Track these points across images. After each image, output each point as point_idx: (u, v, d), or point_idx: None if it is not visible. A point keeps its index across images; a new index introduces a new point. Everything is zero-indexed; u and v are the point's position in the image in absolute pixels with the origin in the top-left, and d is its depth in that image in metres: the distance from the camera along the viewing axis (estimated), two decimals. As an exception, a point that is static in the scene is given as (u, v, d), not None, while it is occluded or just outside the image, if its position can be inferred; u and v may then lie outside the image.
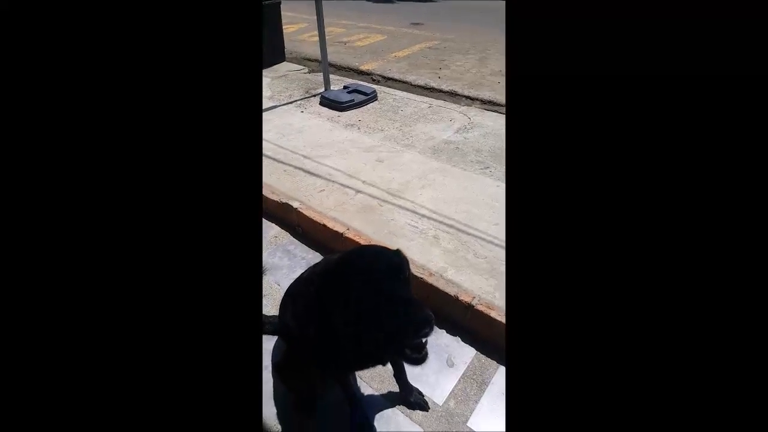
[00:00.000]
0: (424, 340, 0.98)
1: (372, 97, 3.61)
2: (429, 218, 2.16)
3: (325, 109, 3.51)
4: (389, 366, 1.39)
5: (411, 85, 4.16)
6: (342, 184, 2.46)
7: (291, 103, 3.67)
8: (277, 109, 3.55)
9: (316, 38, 3.65)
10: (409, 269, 1.06)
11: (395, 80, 4.30)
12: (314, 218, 2.16)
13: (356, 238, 2.00)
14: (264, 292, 1.88)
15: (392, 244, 1.13)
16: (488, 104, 3.62)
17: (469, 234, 2.03)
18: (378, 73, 4.50)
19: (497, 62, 4.63)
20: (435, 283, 1.73)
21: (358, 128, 3.17)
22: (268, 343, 1.62)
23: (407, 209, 2.23)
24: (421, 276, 1.76)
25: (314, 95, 3.78)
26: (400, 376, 1.41)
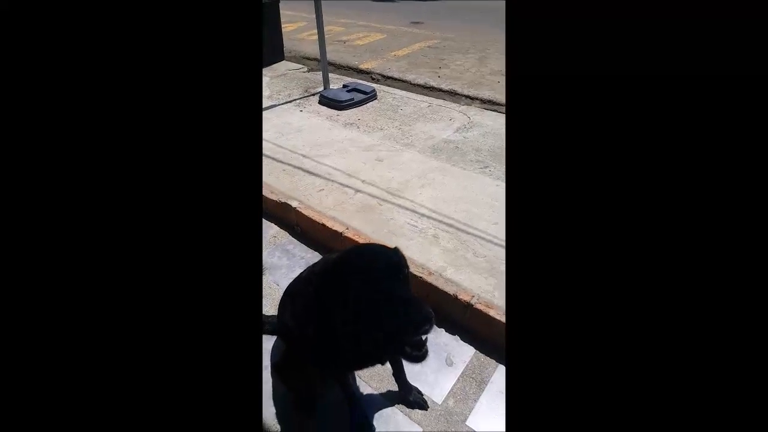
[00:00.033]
0: (424, 338, 0.98)
1: (371, 96, 3.61)
2: (428, 217, 2.16)
3: (324, 108, 3.50)
4: (388, 365, 1.40)
5: (410, 84, 4.15)
6: (341, 184, 2.46)
7: (290, 102, 3.67)
8: (276, 108, 3.54)
9: (316, 37, 3.65)
10: (407, 267, 1.06)
11: (395, 79, 4.29)
12: (313, 218, 2.15)
13: (355, 238, 2.00)
14: (263, 292, 1.88)
15: (391, 243, 1.13)
16: (488, 103, 3.62)
17: (468, 233, 2.03)
18: (377, 71, 4.50)
19: (497, 61, 4.63)
20: (434, 282, 1.73)
21: (358, 127, 3.17)
22: (267, 343, 1.62)
23: (407, 208, 2.23)
24: (421, 275, 1.76)
25: (313, 94, 3.78)
26: (399, 375, 1.41)
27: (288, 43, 5.04)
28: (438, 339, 1.64)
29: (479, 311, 1.61)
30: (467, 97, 3.78)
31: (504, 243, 1.90)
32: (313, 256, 2.09)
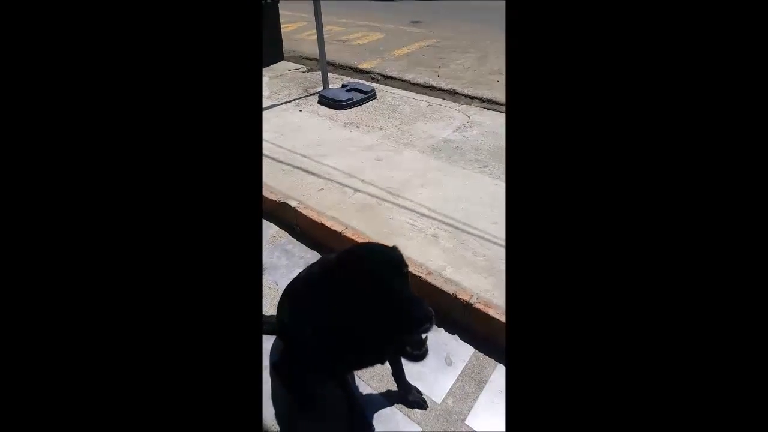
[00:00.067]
0: (424, 337, 0.98)
1: (371, 95, 3.61)
2: (428, 217, 2.16)
3: (323, 108, 3.50)
4: (388, 365, 1.40)
5: (410, 83, 4.15)
6: (341, 183, 2.46)
7: (289, 102, 3.66)
8: (275, 108, 3.54)
9: (315, 37, 3.65)
10: (407, 266, 1.06)
11: (394, 79, 4.29)
12: (313, 217, 2.15)
13: (355, 237, 2.00)
14: (262, 292, 1.88)
15: (391, 243, 1.13)
16: (487, 103, 3.62)
17: (467, 232, 2.04)
18: (377, 71, 4.50)
19: (496, 61, 4.62)
20: (434, 282, 1.73)
21: (357, 127, 3.17)
22: (266, 343, 1.62)
23: (406, 208, 2.23)
24: (420, 274, 1.76)
25: (313, 94, 3.78)
26: (398, 374, 1.41)
27: (287, 43, 5.03)
28: (437, 338, 1.64)
29: (478, 310, 1.61)
30: (467, 96, 3.78)
31: (503, 242, 1.90)
32: (312, 256, 2.09)
